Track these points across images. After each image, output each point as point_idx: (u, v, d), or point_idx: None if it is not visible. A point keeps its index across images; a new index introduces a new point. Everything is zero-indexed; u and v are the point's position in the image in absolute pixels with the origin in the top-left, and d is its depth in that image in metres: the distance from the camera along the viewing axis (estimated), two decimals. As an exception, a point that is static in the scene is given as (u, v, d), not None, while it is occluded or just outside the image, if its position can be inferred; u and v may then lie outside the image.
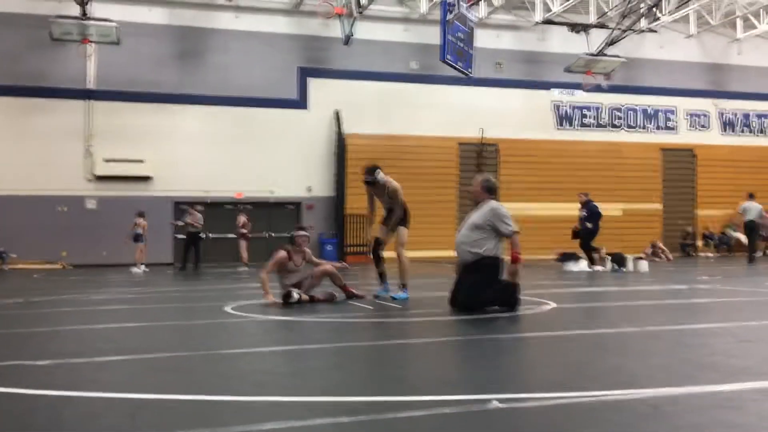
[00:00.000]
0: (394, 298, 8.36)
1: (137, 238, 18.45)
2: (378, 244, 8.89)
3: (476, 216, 7.25)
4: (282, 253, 8.24)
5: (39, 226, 21.11)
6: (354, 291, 8.61)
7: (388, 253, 8.92)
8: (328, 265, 8.64)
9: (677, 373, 3.81)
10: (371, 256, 9.21)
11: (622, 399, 3.17)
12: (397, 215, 8.72)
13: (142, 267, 18.18)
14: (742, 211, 18.71)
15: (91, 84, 22.29)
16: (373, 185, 8.76)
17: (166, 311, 8.12)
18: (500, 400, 3.10)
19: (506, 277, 7.11)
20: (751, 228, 18.58)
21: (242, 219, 19.52)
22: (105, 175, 22.05)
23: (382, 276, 8.82)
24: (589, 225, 15.94)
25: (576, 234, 16.42)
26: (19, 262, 20.55)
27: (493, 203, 7.26)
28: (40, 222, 21.16)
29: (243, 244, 19.31)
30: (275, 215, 23.68)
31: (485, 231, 7.13)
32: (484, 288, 6.97)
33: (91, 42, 20.21)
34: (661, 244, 22.71)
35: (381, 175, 8.72)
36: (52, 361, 4.36)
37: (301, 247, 8.34)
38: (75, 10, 19.49)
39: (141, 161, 22.27)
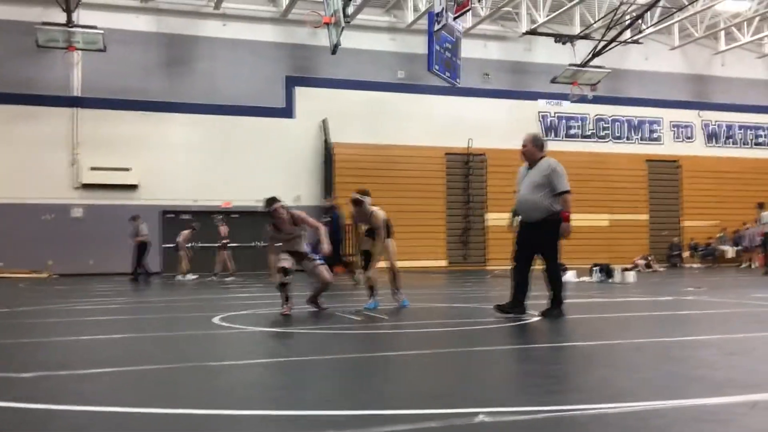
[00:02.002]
0: (404, 305, 8.75)
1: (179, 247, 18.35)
2: (368, 259, 8.96)
3: (535, 174, 7.36)
4: (268, 229, 8.11)
5: (24, 234, 20.98)
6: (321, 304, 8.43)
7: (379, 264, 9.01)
8: (328, 276, 8.31)
9: (663, 386, 3.82)
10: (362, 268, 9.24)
11: (608, 412, 3.18)
12: (379, 239, 8.85)
13: (188, 276, 17.94)
14: (766, 222, 18.08)
15: (77, 91, 22.22)
16: (358, 206, 8.80)
17: (152, 322, 8.06)
18: (487, 414, 3.10)
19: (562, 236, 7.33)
20: None
21: (224, 229, 19.17)
22: (91, 184, 21.96)
23: (371, 290, 8.88)
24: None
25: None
26: (4, 271, 20.38)
27: (551, 160, 7.41)
28: (26, 230, 21.02)
29: (226, 254, 19.06)
30: (263, 224, 23.57)
31: (545, 188, 7.28)
32: (552, 248, 7.34)
33: (77, 49, 20.14)
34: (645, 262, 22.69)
35: (368, 201, 8.82)
36: (37, 374, 4.32)
37: (282, 216, 8.03)
38: (61, 17, 19.44)
39: (128, 169, 22.20)
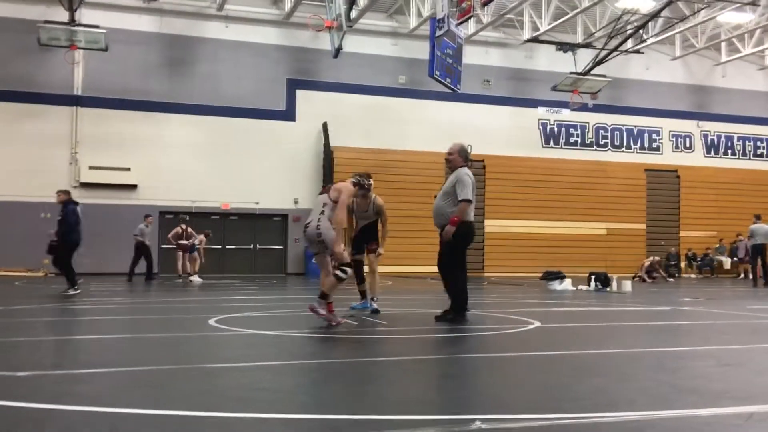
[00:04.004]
0: (377, 311, 8.65)
1: (191, 248, 18.37)
2: (359, 265, 9.04)
3: (447, 183, 7.50)
4: (351, 185, 7.27)
5: (22, 232, 20.90)
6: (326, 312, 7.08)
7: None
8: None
9: (658, 396, 3.82)
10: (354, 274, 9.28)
11: (603, 422, 3.18)
12: (383, 232, 8.97)
13: (196, 277, 17.99)
14: (750, 234, 18.12)
15: (78, 90, 22.21)
16: (364, 189, 8.32)
17: (148, 323, 8.05)
18: (483, 421, 3.10)
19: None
20: (759, 251, 17.92)
21: (194, 233, 18.84)
22: (90, 183, 21.91)
23: (363, 294, 9.12)
24: (52, 233, 12.64)
25: (52, 247, 12.99)
26: (0, 269, 20.31)
27: (462, 170, 7.46)
28: (23, 229, 20.95)
29: (185, 255, 18.77)
30: (261, 227, 23.64)
31: (451, 196, 7.38)
32: (451, 253, 7.42)
33: (78, 48, 20.13)
34: (649, 264, 22.52)
35: (371, 185, 8.87)
36: (32, 373, 4.31)
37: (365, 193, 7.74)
38: (63, 15, 19.43)
39: (127, 169, 22.18)
